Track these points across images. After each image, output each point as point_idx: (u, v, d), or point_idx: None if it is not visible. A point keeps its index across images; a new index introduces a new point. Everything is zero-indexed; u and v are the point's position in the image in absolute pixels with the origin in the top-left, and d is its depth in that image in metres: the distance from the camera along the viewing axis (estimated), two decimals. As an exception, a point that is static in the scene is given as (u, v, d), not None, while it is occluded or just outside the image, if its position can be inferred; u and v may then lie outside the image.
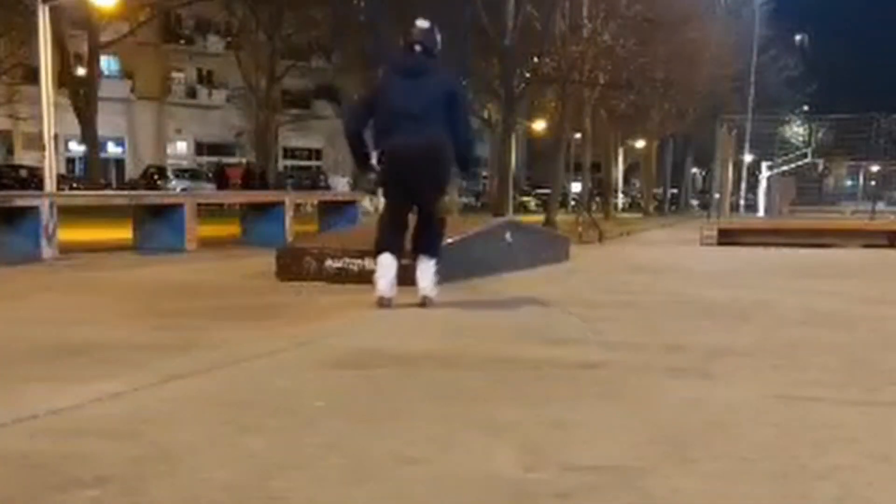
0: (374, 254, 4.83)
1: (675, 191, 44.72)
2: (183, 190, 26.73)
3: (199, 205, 9.61)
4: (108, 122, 33.60)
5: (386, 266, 4.74)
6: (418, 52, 4.92)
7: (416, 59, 4.93)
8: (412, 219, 4.96)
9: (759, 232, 13.24)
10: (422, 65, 4.89)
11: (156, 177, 33.90)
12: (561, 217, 20.13)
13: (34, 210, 7.59)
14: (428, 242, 4.91)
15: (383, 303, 4.66)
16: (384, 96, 4.89)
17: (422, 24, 4.99)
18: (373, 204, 27.39)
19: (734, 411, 2.50)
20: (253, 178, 31.31)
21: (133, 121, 40.60)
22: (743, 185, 29.93)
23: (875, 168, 28.54)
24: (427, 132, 4.73)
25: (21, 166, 30.74)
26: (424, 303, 4.72)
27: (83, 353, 3.30)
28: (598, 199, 31.58)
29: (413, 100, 4.74)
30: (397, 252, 4.79)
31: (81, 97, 28.54)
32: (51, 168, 15.24)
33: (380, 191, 6.11)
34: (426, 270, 4.82)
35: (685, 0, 24.02)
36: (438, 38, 5.02)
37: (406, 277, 4.82)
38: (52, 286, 5.96)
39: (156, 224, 9.06)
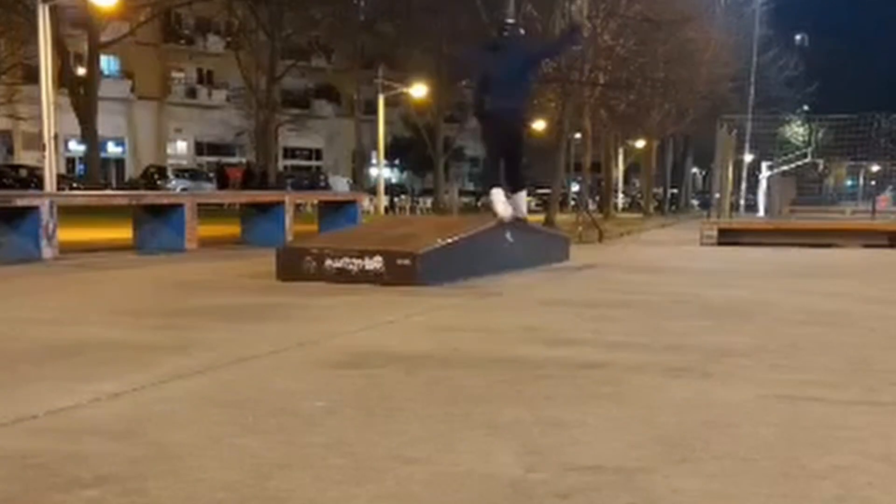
0: (488, 189, 7.04)
1: (675, 191, 44.74)
2: (183, 190, 26.76)
3: (199, 205, 9.60)
4: (108, 122, 33.66)
5: (497, 195, 6.81)
6: (504, 35, 7.28)
7: (502, 39, 7.20)
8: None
9: (759, 232, 13.25)
10: (506, 43, 7.10)
11: (156, 177, 33.92)
12: (561, 217, 20.12)
13: (34, 210, 7.58)
14: (513, 177, 7.08)
15: (504, 222, 6.78)
16: (481, 64, 7.13)
17: (509, 19, 7.79)
18: (372, 204, 27.34)
19: (734, 411, 2.50)
20: (253, 178, 31.33)
21: (133, 121, 40.63)
22: (743, 185, 29.91)
23: (875, 168, 28.53)
24: (507, 97, 6.77)
25: (21, 166, 30.76)
26: (503, 222, 6.81)
27: (83, 352, 3.30)
28: (597, 198, 31.56)
29: (500, 67, 6.78)
30: (500, 183, 6.92)
31: (81, 97, 28.56)
32: (51, 168, 15.25)
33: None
34: (519, 199, 7.06)
35: (685, 0, 24.00)
36: (521, 31, 7.49)
37: (406, 277, 5.04)
38: (51, 286, 5.96)
39: (156, 224, 9.05)
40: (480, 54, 7.21)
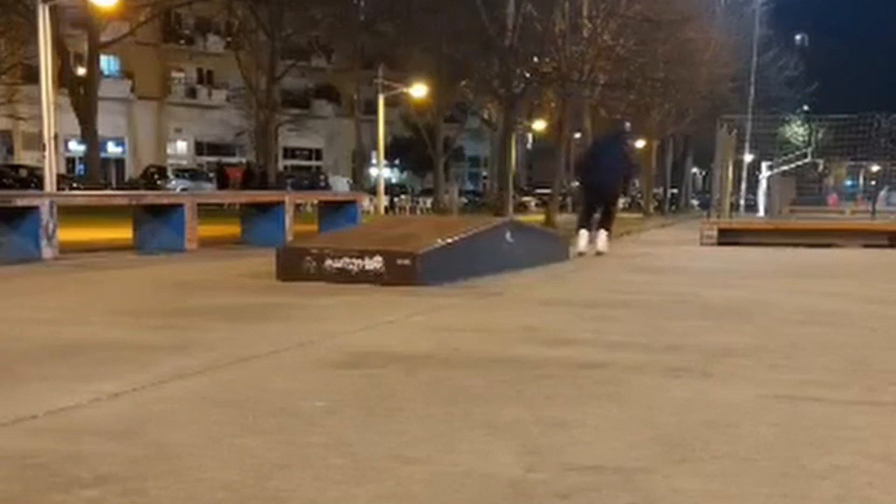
0: (577, 230, 9.57)
1: (675, 191, 44.71)
2: (183, 190, 26.75)
3: (199, 205, 9.60)
4: (108, 122, 33.62)
5: (583, 235, 9.34)
6: (610, 136, 10.65)
7: (608, 139, 10.56)
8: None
9: (759, 232, 13.23)
10: (611, 141, 10.22)
11: (156, 176, 33.90)
12: (561, 217, 20.13)
13: (34, 210, 7.58)
14: (607, 223, 9.57)
15: (581, 254, 9.00)
16: (593, 153, 10.41)
17: (627, 124, 11.90)
18: (372, 204, 27.39)
19: (734, 411, 2.50)
20: (253, 178, 31.28)
21: (133, 121, 40.61)
22: (743, 185, 29.91)
23: (875, 168, 28.53)
24: (611, 175, 9.60)
25: (21, 166, 30.74)
26: (600, 253, 9.12)
27: (82, 352, 3.30)
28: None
29: (605, 157, 9.65)
30: (589, 228, 9.50)
31: (81, 97, 28.53)
32: (51, 168, 15.23)
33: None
34: (603, 237, 9.32)
35: (685, 0, 24.01)
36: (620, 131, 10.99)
37: (406, 277, 5.14)
38: (51, 286, 5.96)
39: (156, 224, 9.05)
40: (601, 142, 10.91)
